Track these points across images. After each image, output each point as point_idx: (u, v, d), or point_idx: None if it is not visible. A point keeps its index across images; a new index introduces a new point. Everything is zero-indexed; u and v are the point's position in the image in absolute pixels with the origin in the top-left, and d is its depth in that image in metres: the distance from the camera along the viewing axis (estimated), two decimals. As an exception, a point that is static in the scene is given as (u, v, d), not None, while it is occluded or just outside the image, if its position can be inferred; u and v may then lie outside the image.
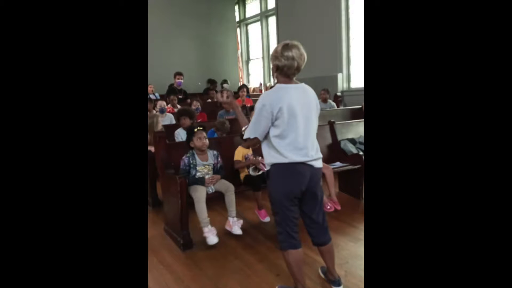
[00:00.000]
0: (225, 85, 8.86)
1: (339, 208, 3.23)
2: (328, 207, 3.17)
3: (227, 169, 3.18)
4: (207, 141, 2.98)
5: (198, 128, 2.98)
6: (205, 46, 9.84)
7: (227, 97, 2.18)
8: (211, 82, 8.88)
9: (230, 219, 2.94)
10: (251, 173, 3.13)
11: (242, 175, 3.24)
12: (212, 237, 2.75)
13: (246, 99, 5.97)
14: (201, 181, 2.91)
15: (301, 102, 1.88)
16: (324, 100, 6.01)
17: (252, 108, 3.83)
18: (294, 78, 1.93)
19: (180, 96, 6.49)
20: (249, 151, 3.22)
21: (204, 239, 2.77)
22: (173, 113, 4.97)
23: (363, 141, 3.99)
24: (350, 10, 7.10)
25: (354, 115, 5.47)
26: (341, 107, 6.28)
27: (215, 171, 3.04)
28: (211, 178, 2.95)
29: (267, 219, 3.24)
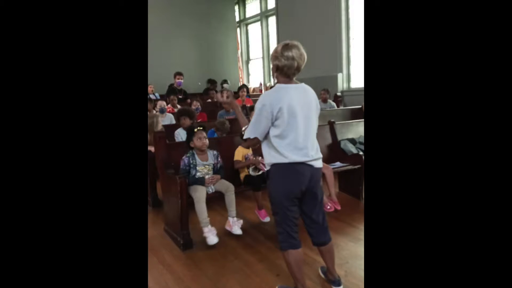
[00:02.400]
0: (225, 85, 8.87)
1: (339, 208, 3.23)
2: (328, 207, 3.17)
3: (227, 169, 3.17)
4: (207, 141, 2.98)
5: (198, 128, 2.98)
6: (205, 46, 9.85)
7: (227, 97, 2.18)
8: (211, 82, 8.88)
9: (230, 219, 2.94)
10: (251, 173, 3.12)
11: (242, 175, 3.24)
12: (212, 237, 2.75)
13: (246, 99, 5.97)
14: (201, 181, 2.91)
15: (301, 102, 1.88)
16: (324, 100, 6.01)
17: (252, 108, 3.83)
18: (294, 78, 1.93)
19: (180, 96, 6.49)
20: (249, 151, 3.22)
21: (204, 239, 2.77)
22: (173, 113, 4.97)
23: (363, 141, 3.98)
24: (350, 10, 7.10)
25: (354, 115, 5.46)
26: (341, 107, 6.28)
27: (215, 171, 3.04)
28: (211, 178, 2.95)
29: (267, 219, 3.24)
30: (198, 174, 2.95)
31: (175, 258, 2.67)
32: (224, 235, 2.94)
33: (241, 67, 11.06)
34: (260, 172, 3.09)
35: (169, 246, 2.88)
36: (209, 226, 2.79)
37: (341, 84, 7.26)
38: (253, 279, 2.33)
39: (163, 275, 2.44)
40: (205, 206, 2.79)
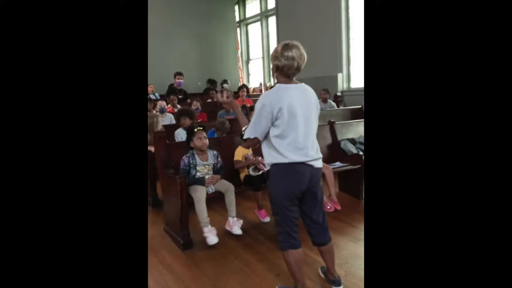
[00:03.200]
0: (225, 85, 8.88)
1: (339, 208, 3.23)
2: (328, 207, 3.17)
3: (227, 169, 3.18)
4: (207, 141, 2.98)
5: (198, 128, 2.98)
6: (205, 46, 9.85)
7: (227, 97, 2.18)
8: (211, 82, 8.89)
9: (230, 219, 2.94)
10: (251, 173, 3.13)
11: (242, 175, 3.24)
12: (212, 237, 2.75)
13: (246, 99, 5.97)
14: (201, 181, 2.91)
15: (301, 102, 1.88)
16: (324, 100, 6.01)
17: (252, 108, 3.83)
18: (294, 78, 1.93)
19: (180, 96, 6.49)
20: (249, 151, 3.22)
21: (204, 239, 2.77)
22: (173, 113, 4.97)
23: (363, 141, 3.98)
24: (350, 10, 7.10)
25: (354, 115, 5.46)
26: (341, 107, 6.28)
27: (215, 171, 3.04)
28: (211, 178, 2.95)
29: (267, 219, 3.24)
30: (198, 174, 2.95)
31: (175, 258, 2.67)
32: (224, 235, 2.94)
33: (241, 67, 11.06)
34: (260, 172, 3.09)
35: (169, 246, 2.88)
36: (209, 226, 2.79)
37: (341, 84, 7.26)
38: (253, 279, 2.33)
39: (163, 275, 2.44)
40: (205, 206, 2.79)
